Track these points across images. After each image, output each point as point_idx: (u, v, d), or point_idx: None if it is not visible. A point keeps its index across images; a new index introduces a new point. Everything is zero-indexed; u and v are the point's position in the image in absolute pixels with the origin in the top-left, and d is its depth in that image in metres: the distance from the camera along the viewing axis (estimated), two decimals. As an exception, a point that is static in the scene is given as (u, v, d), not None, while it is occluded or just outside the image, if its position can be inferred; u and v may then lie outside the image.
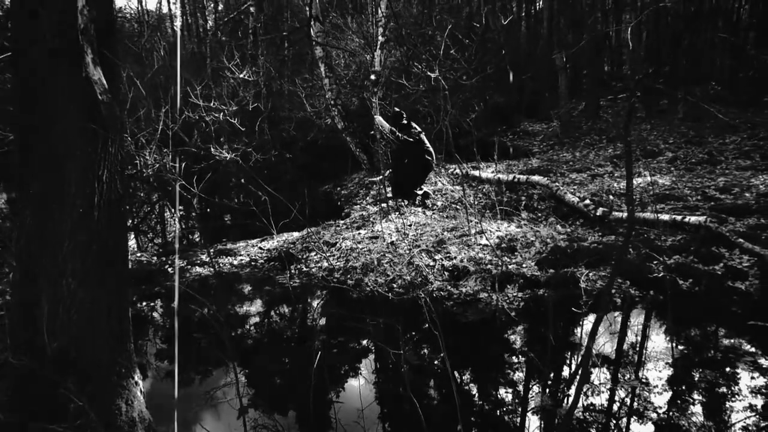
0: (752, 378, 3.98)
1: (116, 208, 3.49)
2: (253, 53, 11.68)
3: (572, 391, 3.92)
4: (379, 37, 10.22)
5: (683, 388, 3.91)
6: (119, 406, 3.58)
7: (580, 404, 3.72)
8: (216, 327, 4.90)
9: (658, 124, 14.36)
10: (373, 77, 9.08)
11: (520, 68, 17.16)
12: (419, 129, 8.38)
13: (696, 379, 4.02)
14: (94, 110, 3.14)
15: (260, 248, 7.33)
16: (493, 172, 9.62)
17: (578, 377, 4.10)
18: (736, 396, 3.78)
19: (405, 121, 8.34)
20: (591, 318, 5.13)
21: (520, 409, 3.79)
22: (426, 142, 8.36)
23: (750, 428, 3.43)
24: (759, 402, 3.70)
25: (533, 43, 18.03)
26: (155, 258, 6.98)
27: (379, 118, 8.05)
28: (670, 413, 3.60)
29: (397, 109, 8.56)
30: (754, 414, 3.56)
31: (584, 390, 3.88)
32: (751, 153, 10.71)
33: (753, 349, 4.42)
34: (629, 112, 2.81)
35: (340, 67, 13.28)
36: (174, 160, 10.92)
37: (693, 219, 6.60)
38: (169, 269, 6.68)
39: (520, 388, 4.08)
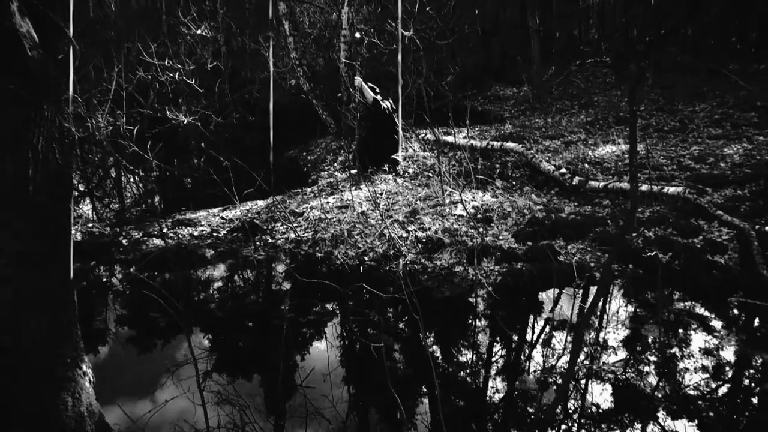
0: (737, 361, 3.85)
1: (56, 181, 3.05)
2: (212, 7, 10.96)
3: (558, 373, 3.71)
4: (348, -6, 9.66)
5: (668, 370, 3.75)
6: (64, 401, 3.21)
7: (567, 388, 3.51)
8: (174, 315, 4.51)
9: (627, 90, 14.23)
10: (357, 35, 8.56)
11: (489, 30, 16.75)
12: (393, 106, 7.98)
13: (678, 358, 3.86)
14: (22, 69, 2.68)
15: (222, 218, 6.90)
16: (465, 137, 9.31)
17: (568, 358, 3.89)
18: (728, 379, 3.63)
19: (379, 96, 7.95)
20: (575, 295, 4.94)
21: (501, 391, 3.57)
22: (396, 121, 8.01)
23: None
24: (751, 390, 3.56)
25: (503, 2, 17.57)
26: (108, 229, 6.49)
27: (360, 80, 7.60)
28: (660, 400, 3.43)
29: (371, 84, 8.14)
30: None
31: (574, 372, 3.67)
32: (721, 121, 10.65)
33: (736, 329, 4.30)
34: (635, 82, 2.51)
35: (305, 24, 12.64)
36: (129, 123, 10.28)
37: (671, 190, 6.45)
38: (124, 241, 6.22)
39: (502, 368, 3.85)
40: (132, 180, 10.65)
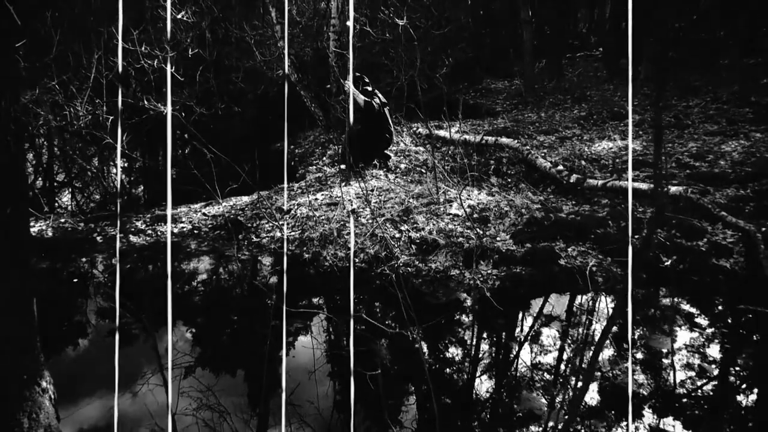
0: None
1: (10, 178, 2.72)
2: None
3: (571, 393, 3.46)
4: (337, -19, 9.30)
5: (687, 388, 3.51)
6: (20, 422, 2.90)
7: (578, 407, 3.26)
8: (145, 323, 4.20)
9: (620, 84, 14.01)
10: (349, 23, 8.18)
11: (480, 21, 16.44)
12: (384, 100, 7.66)
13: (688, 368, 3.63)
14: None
15: (204, 214, 6.56)
16: (457, 132, 9.02)
17: (579, 376, 3.64)
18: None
19: (369, 88, 7.62)
20: (581, 302, 4.69)
21: (506, 414, 3.31)
22: (388, 117, 7.68)
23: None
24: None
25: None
26: (82, 224, 6.12)
27: (350, 84, 7.27)
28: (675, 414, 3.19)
29: (358, 74, 7.80)
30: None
31: (585, 387, 3.42)
32: (716, 117, 10.47)
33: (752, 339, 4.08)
34: (661, 81, 2.24)
35: (293, 12, 12.24)
36: (109, 113, 9.84)
37: (673, 189, 6.21)
38: (98, 238, 5.86)
39: (505, 385, 3.59)
40: (114, 172, 10.23)
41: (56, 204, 7.87)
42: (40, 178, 9.56)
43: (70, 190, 9.12)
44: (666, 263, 5.04)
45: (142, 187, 9.67)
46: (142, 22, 11.33)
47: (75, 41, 11.00)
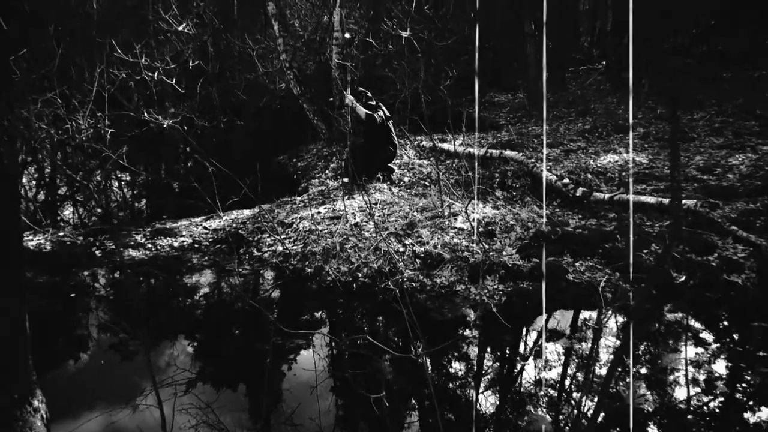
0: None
1: (4, 186, 2.63)
2: (198, 6, 10.51)
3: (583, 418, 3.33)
4: (340, -6, 9.28)
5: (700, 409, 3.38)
6: (11, 445, 2.79)
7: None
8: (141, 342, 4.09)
9: (623, 97, 13.95)
10: (347, 35, 8.15)
11: (482, 34, 16.41)
12: (388, 113, 7.60)
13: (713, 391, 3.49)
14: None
15: (205, 228, 6.46)
16: (461, 145, 8.95)
17: (596, 400, 3.51)
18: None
19: (372, 102, 7.56)
20: (591, 319, 4.57)
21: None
22: (392, 130, 7.62)
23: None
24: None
25: (498, 4, 17.21)
26: (81, 238, 6.03)
27: (351, 99, 7.21)
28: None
29: (361, 88, 7.75)
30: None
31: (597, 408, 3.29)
32: (722, 130, 10.38)
33: None
34: (675, 94, 2.19)
35: (295, 26, 12.23)
36: (112, 126, 9.79)
37: (686, 203, 6.10)
38: (97, 252, 5.77)
39: (514, 408, 3.46)
40: (117, 185, 10.18)
41: (58, 218, 7.80)
42: (42, 192, 9.50)
43: (71, 203, 9.05)
44: (680, 280, 4.91)
45: (144, 201, 9.60)
46: (145, 36, 11.34)
47: (77, 54, 10.99)
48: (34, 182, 9.98)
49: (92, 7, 11.78)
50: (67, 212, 8.50)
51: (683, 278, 4.88)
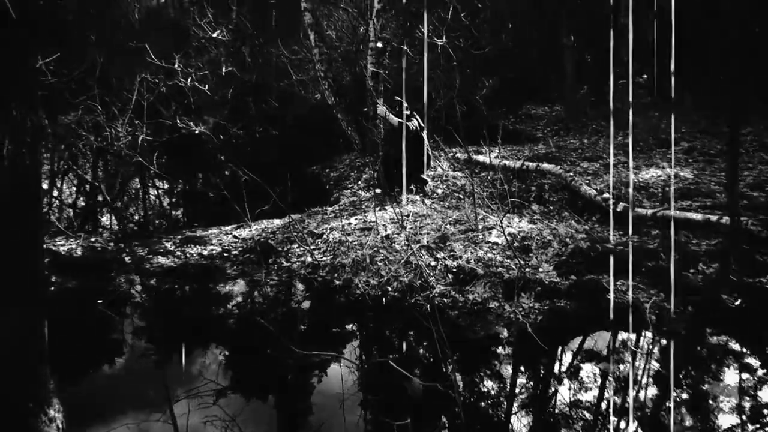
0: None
1: (24, 192, 2.58)
2: (232, 8, 10.54)
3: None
4: (375, 4, 9.22)
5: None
6: (24, 455, 2.71)
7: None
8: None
9: (666, 111, 13.51)
10: (379, 44, 8.07)
11: (521, 45, 16.16)
12: (422, 124, 7.48)
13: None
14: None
15: (235, 237, 6.41)
16: (497, 157, 8.74)
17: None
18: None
19: (407, 111, 7.46)
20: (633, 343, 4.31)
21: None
22: (425, 140, 7.49)
23: None
24: None
25: (534, 14, 16.90)
26: (112, 244, 6.04)
27: (383, 108, 7.12)
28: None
29: (397, 97, 7.66)
30: None
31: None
32: (771, 146, 9.94)
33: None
34: (735, 103, 1.99)
35: (331, 37, 12.23)
36: (149, 134, 9.90)
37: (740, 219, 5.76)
38: (126, 258, 5.76)
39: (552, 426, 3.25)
40: (155, 193, 10.27)
41: (98, 224, 7.85)
42: (81, 198, 9.63)
43: (109, 210, 9.13)
44: (735, 304, 4.60)
45: (182, 210, 9.64)
46: (183, 45, 11.48)
47: (118, 63, 11.19)
48: (74, 188, 10.14)
49: (134, 17, 12.02)
50: (105, 219, 8.58)
51: (737, 302, 4.57)
